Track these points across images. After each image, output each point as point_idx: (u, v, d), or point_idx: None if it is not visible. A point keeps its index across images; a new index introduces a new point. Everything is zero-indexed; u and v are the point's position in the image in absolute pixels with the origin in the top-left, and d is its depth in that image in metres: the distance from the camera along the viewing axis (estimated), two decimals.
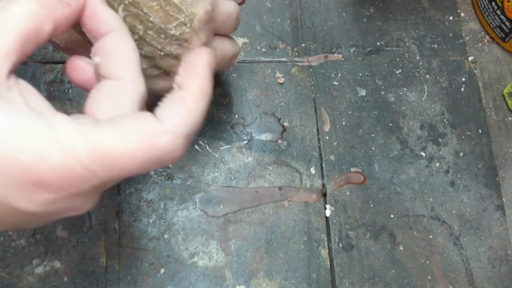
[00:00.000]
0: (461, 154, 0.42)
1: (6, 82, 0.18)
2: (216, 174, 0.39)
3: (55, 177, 0.17)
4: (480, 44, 0.46)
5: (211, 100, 0.23)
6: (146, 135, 0.18)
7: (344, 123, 0.42)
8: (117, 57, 0.22)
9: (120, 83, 0.21)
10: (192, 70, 0.21)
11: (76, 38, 0.26)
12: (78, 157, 0.17)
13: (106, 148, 0.17)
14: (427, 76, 0.44)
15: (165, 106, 0.20)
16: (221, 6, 0.28)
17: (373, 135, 0.42)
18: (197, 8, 0.26)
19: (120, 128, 0.18)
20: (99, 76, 0.22)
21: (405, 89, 0.44)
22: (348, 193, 0.40)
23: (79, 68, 0.23)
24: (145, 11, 0.25)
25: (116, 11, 0.24)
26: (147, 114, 0.19)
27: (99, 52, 0.22)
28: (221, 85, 0.41)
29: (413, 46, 0.45)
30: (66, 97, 0.39)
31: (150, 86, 0.26)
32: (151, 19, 0.25)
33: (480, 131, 0.43)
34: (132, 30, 0.25)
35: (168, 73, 0.28)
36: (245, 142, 0.40)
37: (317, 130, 0.41)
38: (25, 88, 0.19)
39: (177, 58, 0.27)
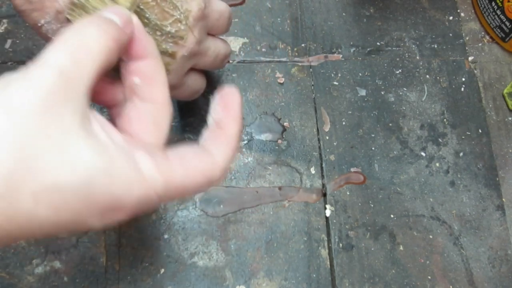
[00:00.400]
0: (461, 154, 0.42)
1: (87, 116, 0.19)
2: None
3: (135, 205, 0.20)
4: (480, 44, 0.46)
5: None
6: (207, 172, 0.22)
7: (344, 123, 0.42)
8: (156, 81, 0.23)
9: (159, 107, 0.23)
10: (231, 112, 0.24)
11: None
12: (156, 189, 0.20)
13: (177, 182, 0.21)
14: (427, 76, 0.44)
15: (213, 143, 0.23)
16: (214, 5, 0.29)
17: (373, 135, 0.42)
18: (191, 5, 0.27)
19: (188, 168, 0.21)
20: (131, 95, 0.23)
21: (405, 89, 0.44)
22: (348, 193, 0.40)
23: (102, 91, 0.24)
24: (141, 7, 0.25)
25: None
26: (205, 151, 0.23)
27: (138, 74, 0.23)
28: (221, 85, 0.41)
29: (413, 46, 0.45)
30: None
31: None
32: (147, 15, 0.25)
33: (480, 131, 0.43)
34: None
35: None
36: (245, 142, 0.40)
37: (317, 130, 0.41)
38: (98, 119, 0.20)
39: (173, 56, 0.27)
